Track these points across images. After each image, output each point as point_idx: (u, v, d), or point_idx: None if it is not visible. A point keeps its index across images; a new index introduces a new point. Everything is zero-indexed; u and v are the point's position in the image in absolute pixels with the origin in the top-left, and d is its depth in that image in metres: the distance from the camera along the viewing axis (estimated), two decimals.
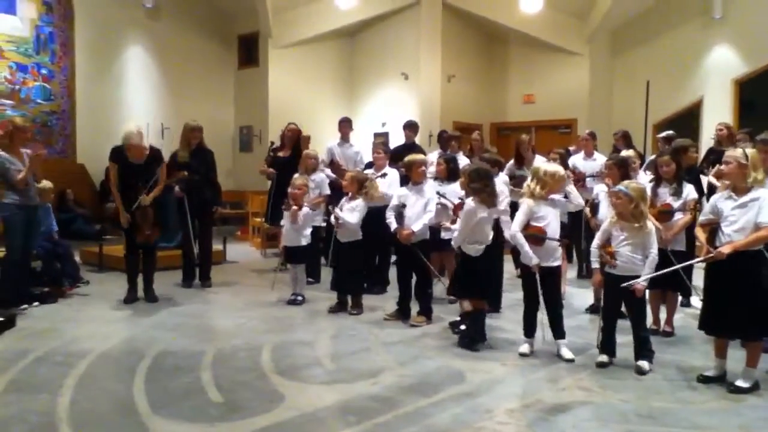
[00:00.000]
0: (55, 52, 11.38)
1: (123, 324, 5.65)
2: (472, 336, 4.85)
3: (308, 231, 6.37)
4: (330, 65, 13.51)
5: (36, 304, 6.11)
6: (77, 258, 7.70)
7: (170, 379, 4.15)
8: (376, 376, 4.21)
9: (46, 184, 6.72)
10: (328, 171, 7.97)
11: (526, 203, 4.68)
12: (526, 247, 4.59)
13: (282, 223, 6.40)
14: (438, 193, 5.75)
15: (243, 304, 6.40)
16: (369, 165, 7.59)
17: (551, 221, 4.65)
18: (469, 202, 4.83)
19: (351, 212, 5.90)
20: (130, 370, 4.28)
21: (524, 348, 4.70)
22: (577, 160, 7.76)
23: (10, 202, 5.87)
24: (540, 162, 5.83)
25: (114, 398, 3.83)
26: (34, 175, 6.10)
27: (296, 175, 6.70)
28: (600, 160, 7.34)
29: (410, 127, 8.57)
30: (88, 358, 4.54)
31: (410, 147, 8.09)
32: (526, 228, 4.64)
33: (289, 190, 6.36)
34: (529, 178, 4.83)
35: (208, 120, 12.99)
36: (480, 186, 4.78)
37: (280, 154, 8.09)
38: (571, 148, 8.36)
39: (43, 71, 11.25)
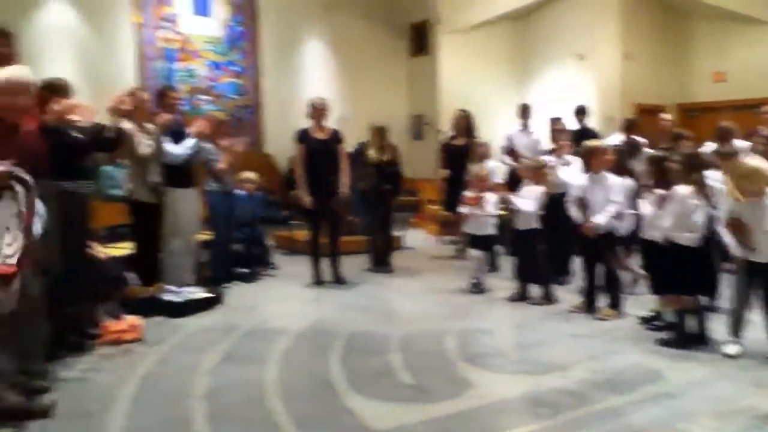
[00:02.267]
0: (244, 49, 12.29)
1: (314, 304, 6.02)
2: (681, 337, 4.55)
3: (493, 219, 6.36)
4: (501, 49, 13.27)
5: (238, 283, 6.66)
6: (270, 242, 8.29)
7: (362, 359, 4.35)
8: (565, 369, 4.11)
9: (251, 175, 7.31)
10: (507, 158, 7.87)
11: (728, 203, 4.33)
12: (728, 238, 4.27)
13: (463, 210, 6.42)
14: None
15: (423, 289, 6.53)
16: (549, 152, 7.39)
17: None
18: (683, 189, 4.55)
19: (527, 200, 5.83)
20: (325, 349, 4.55)
21: (730, 348, 4.33)
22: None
23: (211, 189, 6.48)
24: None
25: (313, 374, 4.08)
26: (231, 165, 6.67)
27: (475, 165, 6.67)
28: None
29: (579, 113, 8.28)
30: (286, 335, 4.89)
31: (582, 132, 7.79)
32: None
33: (472, 179, 6.33)
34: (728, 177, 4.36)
35: (382, 109, 13.40)
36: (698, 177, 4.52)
37: (455, 142, 8.14)
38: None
39: (234, 68, 12.21)
